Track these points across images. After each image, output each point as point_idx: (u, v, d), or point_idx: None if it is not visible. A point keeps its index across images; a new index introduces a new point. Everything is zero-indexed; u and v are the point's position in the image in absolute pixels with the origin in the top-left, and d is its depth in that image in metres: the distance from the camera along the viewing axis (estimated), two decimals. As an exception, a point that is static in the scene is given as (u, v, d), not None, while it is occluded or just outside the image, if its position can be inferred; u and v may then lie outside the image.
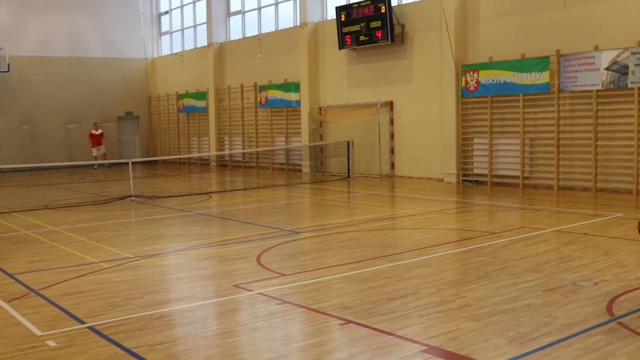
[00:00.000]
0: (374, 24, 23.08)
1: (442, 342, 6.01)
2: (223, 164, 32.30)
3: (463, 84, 20.66)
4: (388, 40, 22.73)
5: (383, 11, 22.63)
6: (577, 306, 7.03)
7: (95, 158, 32.00)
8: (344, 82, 25.61)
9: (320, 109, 26.49)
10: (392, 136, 23.82)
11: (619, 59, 16.97)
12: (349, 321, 6.68)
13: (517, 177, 19.72)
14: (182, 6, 36.22)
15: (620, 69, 16.94)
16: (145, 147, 38.13)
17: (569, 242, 10.81)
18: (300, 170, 27.37)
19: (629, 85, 16.88)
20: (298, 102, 27.27)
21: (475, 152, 21.00)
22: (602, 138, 17.79)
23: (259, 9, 30.41)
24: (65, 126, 34.78)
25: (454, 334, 6.23)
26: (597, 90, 17.58)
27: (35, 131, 33.88)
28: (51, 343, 6.19)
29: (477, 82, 20.22)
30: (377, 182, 22.33)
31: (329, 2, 26.52)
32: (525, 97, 19.25)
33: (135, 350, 5.93)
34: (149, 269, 9.52)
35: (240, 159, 31.12)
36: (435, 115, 21.99)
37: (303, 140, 27.03)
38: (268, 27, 29.86)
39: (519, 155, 19.51)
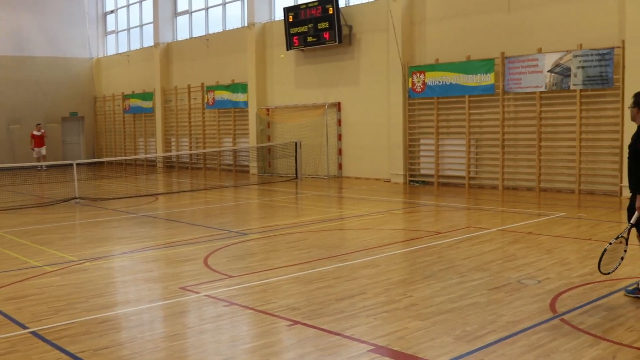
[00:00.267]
0: (321, 25, 23.14)
1: (389, 341, 6.05)
2: (170, 165, 32.00)
3: (410, 85, 20.84)
4: (336, 42, 22.81)
5: (331, 12, 22.71)
6: (522, 304, 7.15)
7: (38, 160, 31.40)
8: (292, 83, 25.62)
9: (267, 109, 26.44)
10: (339, 137, 23.90)
11: (561, 62, 17.31)
12: (296, 322, 6.67)
13: (463, 177, 19.97)
14: (128, 5, 35.81)
15: (562, 72, 17.29)
16: (90, 148, 37.55)
17: (513, 241, 10.98)
18: (248, 172, 27.28)
19: (571, 87, 17.24)
20: (246, 103, 27.17)
21: (422, 153, 21.20)
22: (546, 139, 18.13)
23: (207, 9, 30.23)
24: (8, 126, 34.06)
25: (401, 333, 6.27)
26: (541, 92, 17.90)
27: (-24, 132, 33.15)
28: (-8, 349, 6.05)
29: (424, 83, 20.41)
30: (325, 183, 22.38)
31: (276, 3, 26.51)
32: (471, 99, 19.50)
33: (79, 355, 5.82)
34: (94, 272, 9.37)
35: (188, 160, 30.89)
36: (382, 116, 22.13)
37: (251, 141, 26.94)
38: (215, 28, 29.71)
39: (465, 156, 19.76)
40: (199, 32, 30.68)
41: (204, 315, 7.15)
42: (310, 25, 23.56)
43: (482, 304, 7.18)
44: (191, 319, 7.10)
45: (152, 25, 32.83)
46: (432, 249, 10.39)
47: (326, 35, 23.08)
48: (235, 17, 28.75)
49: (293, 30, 24.25)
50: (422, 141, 21.12)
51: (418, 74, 20.58)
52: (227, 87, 28.01)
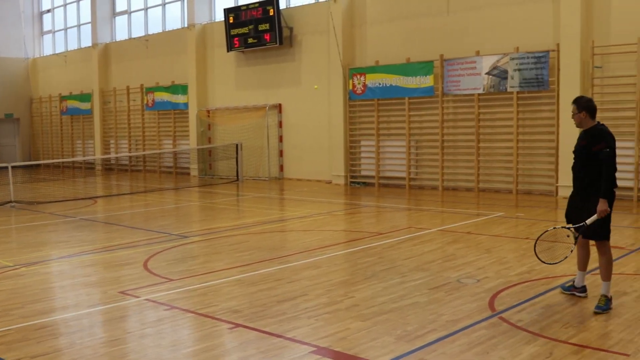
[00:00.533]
0: (262, 27, 23.09)
1: (331, 342, 6.07)
2: (109, 168, 31.54)
3: (350, 87, 20.95)
4: (276, 43, 22.79)
5: (271, 14, 22.68)
6: (461, 303, 7.25)
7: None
8: (233, 84, 25.51)
9: (208, 111, 26.27)
10: (280, 139, 23.88)
11: (499, 64, 17.62)
12: (238, 325, 6.64)
13: (403, 178, 20.15)
14: (65, 5, 35.16)
15: (500, 74, 17.60)
16: (26, 150, 36.74)
17: (453, 241, 11.13)
18: (188, 174, 27.06)
19: (508, 90, 17.56)
20: (186, 105, 26.95)
21: (362, 154, 21.33)
22: (484, 140, 18.43)
23: (146, 9, 29.89)
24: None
25: (343, 334, 6.30)
26: (479, 94, 18.19)
27: None
28: None
29: (364, 85, 20.54)
30: (266, 184, 22.33)
31: (217, 4, 26.36)
32: (411, 101, 19.70)
33: (15, 362, 5.71)
34: (30, 277, 9.17)
35: (127, 162, 30.48)
36: (323, 118, 22.20)
37: (191, 143, 26.73)
38: (155, 28, 29.40)
39: (405, 157, 19.95)
40: (138, 32, 30.31)
41: (145, 319, 7.07)
42: (250, 27, 23.49)
43: (422, 304, 7.26)
44: (131, 323, 7.01)
45: (90, 25, 32.29)
46: (373, 250, 10.46)
47: (267, 36, 23.05)
48: (175, 18, 28.50)
49: (233, 32, 24.15)
50: (362, 142, 21.26)
51: (358, 76, 20.71)
52: (167, 89, 27.74)
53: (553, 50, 16.82)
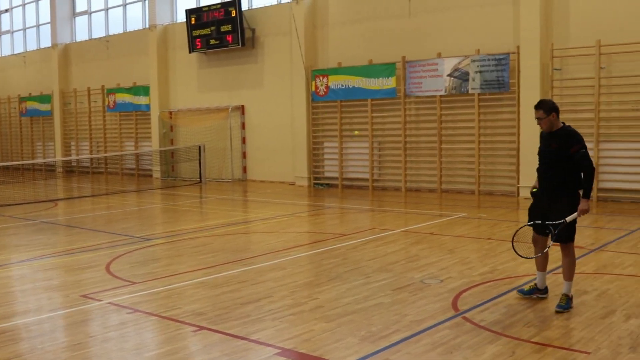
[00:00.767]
0: (224, 28, 23.01)
1: (295, 344, 6.07)
2: (70, 170, 31.17)
3: (313, 89, 20.97)
4: (239, 45, 22.73)
5: (233, 15, 22.61)
6: (425, 303, 7.30)
7: None
8: (195, 85, 25.38)
9: (170, 113, 26.09)
10: (243, 140, 23.82)
11: (460, 66, 17.78)
12: (202, 327, 6.61)
13: (366, 179, 20.23)
14: (24, 4, 34.65)
15: (461, 76, 17.75)
16: (-16, 152, 36.18)
17: (416, 241, 11.20)
18: (150, 176, 26.86)
19: (470, 91, 17.73)
20: (148, 106, 26.74)
21: (325, 156, 21.37)
22: (446, 141, 18.58)
23: (106, 9, 29.59)
24: None
25: (307, 335, 6.31)
26: (441, 96, 18.33)
27: None
28: None
29: (327, 87, 20.58)
30: (230, 186, 22.26)
31: (179, 5, 26.20)
32: (373, 102, 19.79)
33: (-25, 368, 5.63)
34: (-11, 281, 9.04)
35: (88, 164, 30.15)
36: (286, 119, 22.20)
37: (153, 145, 26.54)
38: (116, 29, 29.13)
39: (368, 159, 20.02)
40: (98, 33, 30.00)
41: (107, 323, 7.01)
42: (212, 28, 23.40)
43: (386, 305, 7.29)
44: (94, 327, 6.94)
45: (49, 25, 31.87)
46: (337, 251, 10.49)
47: (229, 38, 22.98)
48: (136, 19, 28.26)
49: (195, 33, 24.03)
50: (325, 144, 21.30)
51: (321, 78, 20.74)
52: (129, 90, 27.50)
53: (513, 53, 17.03)
